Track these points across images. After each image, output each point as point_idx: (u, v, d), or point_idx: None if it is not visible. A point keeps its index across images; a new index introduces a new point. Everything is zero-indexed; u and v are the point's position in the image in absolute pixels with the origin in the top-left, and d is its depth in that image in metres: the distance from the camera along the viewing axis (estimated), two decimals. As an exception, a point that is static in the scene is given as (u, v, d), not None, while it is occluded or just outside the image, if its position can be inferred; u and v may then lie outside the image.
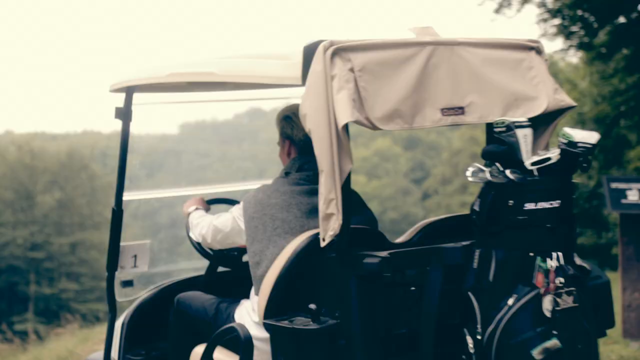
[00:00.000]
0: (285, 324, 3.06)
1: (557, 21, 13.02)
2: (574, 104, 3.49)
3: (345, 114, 2.93)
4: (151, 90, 4.40)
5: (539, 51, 3.53)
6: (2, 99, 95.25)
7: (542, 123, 3.42)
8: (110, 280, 4.41)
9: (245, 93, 4.53)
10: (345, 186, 3.01)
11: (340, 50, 3.01)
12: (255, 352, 3.34)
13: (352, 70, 3.00)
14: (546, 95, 3.43)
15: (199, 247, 4.15)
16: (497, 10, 13.12)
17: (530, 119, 3.21)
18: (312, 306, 3.03)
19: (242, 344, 3.29)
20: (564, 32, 13.04)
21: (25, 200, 46.14)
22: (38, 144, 53.62)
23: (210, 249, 4.19)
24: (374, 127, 3.03)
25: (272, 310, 3.27)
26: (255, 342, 3.34)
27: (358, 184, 52.82)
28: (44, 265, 44.64)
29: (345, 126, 2.97)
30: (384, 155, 56.25)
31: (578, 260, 3.14)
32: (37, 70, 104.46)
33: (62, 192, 47.61)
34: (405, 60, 3.14)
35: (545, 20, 13.10)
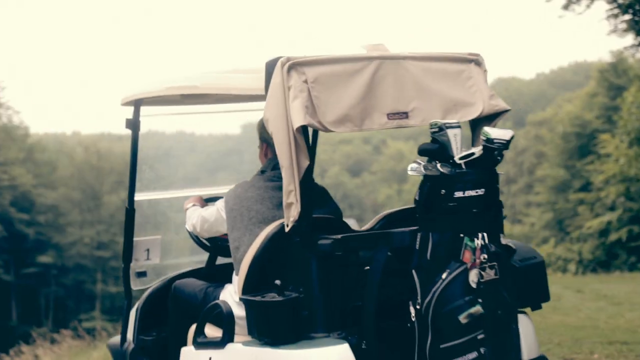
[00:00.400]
0: (257, 298, 3.58)
1: (627, 17, 12.63)
2: (507, 107, 3.95)
3: (298, 119, 3.41)
4: (155, 103, 4.91)
5: (478, 63, 4.02)
6: (70, 100, 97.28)
7: (481, 124, 3.90)
8: (126, 271, 4.98)
9: (253, 104, 4.94)
10: (304, 180, 3.50)
11: (295, 65, 3.50)
12: (237, 328, 3.85)
13: (305, 81, 3.49)
14: (482, 101, 3.91)
15: (197, 239, 4.66)
16: (566, 7, 12.75)
17: (472, 121, 3.78)
18: (277, 282, 3.60)
19: (224, 318, 3.87)
20: (635, 28, 12.64)
21: (92, 200, 47.02)
22: (104, 144, 54.64)
23: (207, 241, 4.69)
24: (326, 130, 3.52)
25: (248, 289, 3.77)
26: (236, 320, 3.85)
27: (418, 184, 52.47)
28: (110, 264, 45.40)
29: (301, 128, 3.45)
30: (445, 155, 55.65)
31: (504, 240, 3.65)
32: (103, 71, 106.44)
33: (127, 192, 48.11)
34: (354, 72, 3.64)
35: (615, 16, 12.70)
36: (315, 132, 4.85)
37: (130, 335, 4.91)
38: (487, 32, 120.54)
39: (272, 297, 3.58)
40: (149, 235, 5.22)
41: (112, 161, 48.73)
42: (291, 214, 3.52)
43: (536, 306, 4.02)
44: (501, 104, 3.95)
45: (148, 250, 5.16)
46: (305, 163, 3.51)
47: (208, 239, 4.70)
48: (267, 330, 3.59)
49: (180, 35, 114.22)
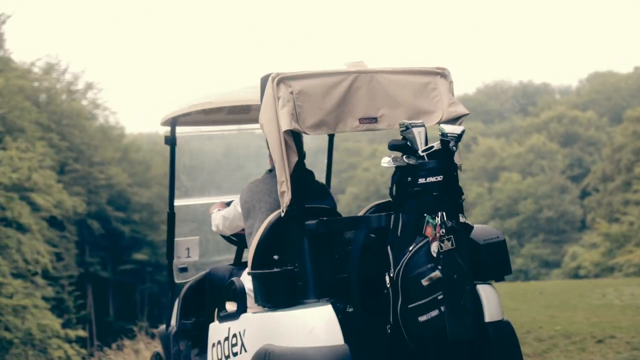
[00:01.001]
0: (260, 271, 4.48)
1: None
2: (466, 112, 4.63)
3: (285, 124, 4.23)
4: (189, 123, 6.02)
5: (443, 75, 4.70)
6: (163, 100, 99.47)
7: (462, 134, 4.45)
8: (170, 267, 5.95)
9: None
10: (294, 173, 4.27)
11: (283, 79, 4.31)
12: (250, 302, 4.69)
13: (291, 93, 4.30)
14: (441, 109, 4.63)
15: (224, 236, 5.55)
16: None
17: (460, 134, 4.32)
18: (275, 257, 4.54)
19: (237, 293, 4.75)
20: None
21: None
22: (195, 144, 55.41)
23: (233, 237, 5.55)
24: (306, 133, 4.35)
25: (256, 266, 4.62)
26: (249, 293, 4.72)
27: (510, 182, 51.46)
28: (202, 260, 46.08)
29: (288, 132, 4.24)
30: (539, 152, 54.26)
31: (462, 219, 4.31)
32: (196, 72, 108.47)
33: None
34: (333, 84, 4.42)
35: None
36: (332, 137, 6.37)
37: (173, 321, 5.80)
38: (582, 25, 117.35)
39: (272, 270, 4.43)
40: (189, 236, 6.16)
41: (202, 159, 49.38)
42: (284, 200, 4.33)
43: (499, 278, 4.70)
44: (459, 110, 4.64)
45: (188, 249, 6.09)
46: (294, 159, 4.31)
47: (235, 235, 5.50)
48: (268, 297, 4.44)
49: (267, 36, 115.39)
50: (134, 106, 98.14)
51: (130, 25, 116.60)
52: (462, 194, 4.40)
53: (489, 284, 4.67)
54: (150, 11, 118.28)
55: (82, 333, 33.60)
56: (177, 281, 6.01)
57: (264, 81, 4.37)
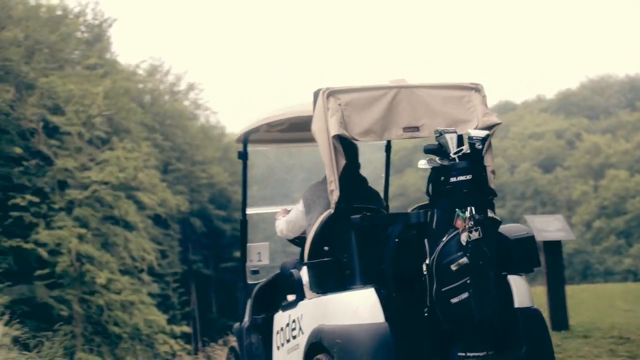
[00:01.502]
0: (313, 261, 5.16)
1: None
2: (498, 121, 5.18)
3: (333, 130, 4.90)
4: (258, 141, 6.78)
5: (477, 90, 5.31)
6: (262, 100, 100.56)
7: (487, 137, 5.01)
8: (243, 269, 6.67)
9: None
10: (343, 175, 4.93)
11: (332, 92, 5.01)
12: (306, 290, 5.33)
13: (339, 104, 4.99)
14: (476, 119, 5.19)
15: (290, 240, 6.08)
16: None
17: (484, 137, 4.87)
18: (326, 248, 5.18)
19: (295, 283, 5.44)
20: None
21: (283, 197, 48.21)
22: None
23: (297, 239, 6.03)
24: (353, 139, 5.02)
25: (311, 257, 5.24)
26: (306, 283, 5.32)
27: (617, 180, 49.66)
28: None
29: (337, 137, 4.91)
30: (649, 148, 52.19)
31: (490, 214, 4.89)
32: (295, 73, 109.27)
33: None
34: (377, 98, 5.10)
35: None
36: (389, 143, 6.88)
37: (246, 318, 6.40)
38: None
39: (323, 260, 5.15)
40: (260, 242, 6.87)
41: (301, 159, 49.81)
42: (333, 197, 4.97)
43: (528, 270, 5.20)
44: (492, 119, 5.20)
45: (259, 253, 6.74)
46: (342, 162, 4.97)
47: (298, 237, 6.01)
48: (319, 284, 5.10)
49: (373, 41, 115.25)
50: (234, 106, 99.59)
51: (231, 26, 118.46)
52: (492, 191, 5.04)
53: (519, 275, 5.18)
54: (251, 12, 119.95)
55: (186, 329, 34.26)
56: (249, 282, 6.67)
57: (315, 95, 5.07)
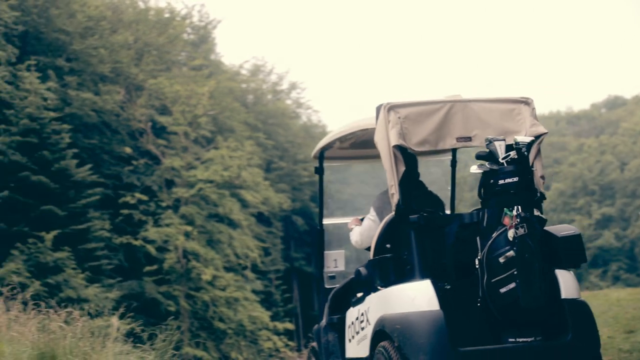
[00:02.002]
0: (377, 258, 5.83)
1: None
2: (545, 131, 5.73)
3: (393, 140, 5.50)
4: (333, 158, 7.49)
5: (527, 103, 5.82)
6: (361, 96, 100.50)
7: (532, 143, 5.56)
8: (320, 275, 7.19)
9: None
10: (403, 181, 5.50)
11: (392, 107, 5.60)
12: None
13: (399, 118, 5.57)
14: (524, 129, 5.71)
15: (366, 248, 6.46)
16: None
17: (529, 143, 5.46)
18: (388, 245, 5.82)
19: (362, 279, 6.01)
20: None
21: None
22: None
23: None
24: (411, 149, 5.62)
25: (375, 255, 5.89)
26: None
27: None
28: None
29: (397, 147, 5.50)
30: None
31: (537, 212, 5.41)
32: (395, 71, 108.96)
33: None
34: (433, 111, 5.67)
35: None
36: (454, 158, 7.33)
37: (324, 319, 6.85)
38: None
39: (385, 256, 5.78)
40: (336, 249, 7.32)
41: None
42: (393, 200, 5.54)
43: (576, 265, 5.66)
44: (539, 130, 5.71)
45: (335, 260, 7.26)
46: (402, 168, 5.54)
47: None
48: (383, 278, 5.75)
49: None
50: (335, 104, 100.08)
51: (333, 24, 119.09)
52: (541, 194, 5.56)
53: (567, 270, 5.65)
54: (353, 11, 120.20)
55: (289, 326, 34.64)
56: (326, 286, 7.15)
57: (377, 109, 5.68)
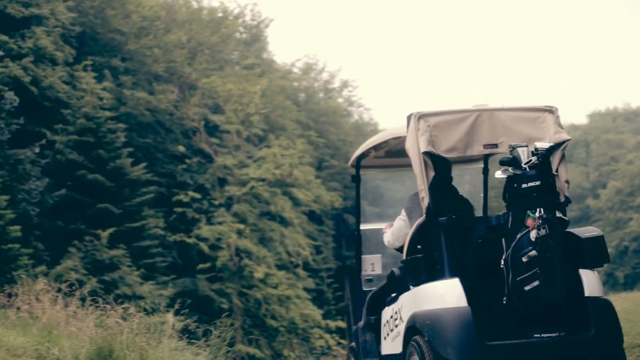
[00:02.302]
0: (409, 258, 6.20)
1: None
2: (568, 138, 6.04)
3: (423, 147, 5.86)
4: (369, 166, 7.89)
5: (551, 112, 6.15)
6: (414, 94, 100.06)
7: (556, 149, 5.97)
8: (358, 278, 7.56)
9: None
10: (433, 185, 5.85)
11: (422, 116, 5.96)
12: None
13: (428, 126, 5.93)
14: (548, 136, 6.04)
15: (395, 248, 6.78)
16: None
17: (548, 148, 5.83)
18: (419, 246, 6.13)
19: (396, 279, 6.46)
20: None
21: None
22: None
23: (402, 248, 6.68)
24: (440, 156, 5.93)
25: (409, 256, 6.23)
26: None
27: None
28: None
29: (426, 153, 5.85)
30: None
31: (558, 214, 5.78)
32: (448, 70, 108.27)
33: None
34: (461, 119, 6.03)
35: None
36: (486, 166, 7.62)
37: (362, 320, 7.18)
38: None
39: (417, 256, 6.10)
40: (373, 254, 7.64)
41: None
42: (424, 204, 5.91)
43: (599, 265, 5.96)
44: (563, 137, 6.04)
45: (373, 263, 7.58)
46: (431, 174, 5.89)
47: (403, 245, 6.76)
48: (414, 277, 6.07)
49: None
50: (387, 102, 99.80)
51: (385, 21, 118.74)
52: (566, 197, 5.96)
53: (591, 269, 5.93)
54: (407, 7, 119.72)
55: (341, 324, 34.65)
56: (364, 289, 7.47)
57: (408, 118, 6.04)
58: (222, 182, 31.90)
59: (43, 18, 26.11)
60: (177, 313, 9.61)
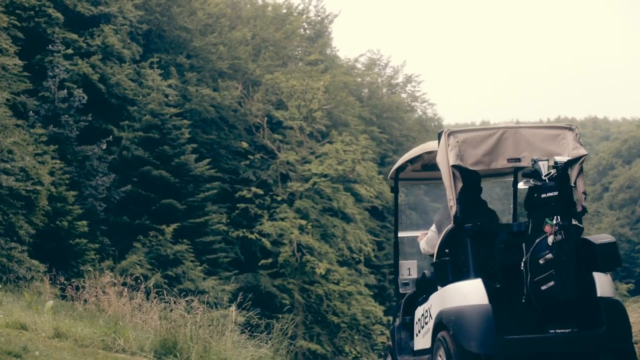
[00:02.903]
0: (438, 260, 6.86)
1: None
2: (585, 153, 6.73)
3: (452, 161, 6.57)
4: (406, 179, 8.68)
5: (571, 129, 6.88)
6: (480, 91, 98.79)
7: (574, 163, 6.65)
8: (396, 281, 8.24)
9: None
10: (460, 193, 6.54)
11: (452, 132, 6.66)
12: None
13: (457, 142, 6.64)
14: (567, 152, 6.72)
15: (430, 255, 7.43)
16: None
17: (566, 162, 6.50)
18: (446, 250, 6.80)
19: (426, 280, 7.19)
20: None
21: (501, 188, 47.19)
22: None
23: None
24: (467, 169, 6.62)
25: (438, 257, 6.87)
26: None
27: None
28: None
29: (455, 166, 6.55)
30: None
31: (574, 222, 6.42)
32: (512, 64, 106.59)
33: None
34: (487, 136, 6.73)
35: None
36: (515, 179, 8.05)
37: (399, 319, 7.87)
38: None
39: (445, 259, 6.75)
40: (410, 259, 8.29)
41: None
42: (452, 212, 6.57)
43: (611, 269, 6.56)
44: (580, 152, 6.69)
45: (409, 268, 8.23)
46: (459, 185, 6.53)
47: None
48: (442, 278, 6.74)
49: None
50: (452, 97, 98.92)
51: (452, 16, 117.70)
52: (583, 207, 6.61)
53: (604, 273, 6.55)
54: (469, 2, 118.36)
55: (403, 321, 34.44)
56: (401, 291, 8.14)
57: (439, 135, 6.75)
58: (285, 178, 32.05)
59: (111, 16, 26.61)
60: (239, 307, 9.70)
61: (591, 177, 62.12)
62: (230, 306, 9.58)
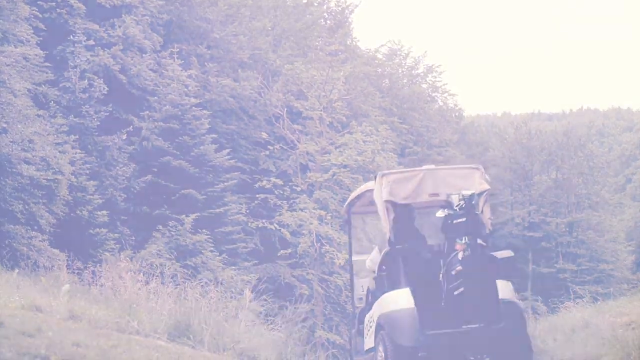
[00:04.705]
0: (376, 275, 9.94)
1: None
2: (487, 187, 9.56)
3: (385, 197, 9.35)
4: (357, 212, 11.88)
5: (477, 169, 9.70)
6: (501, 81, 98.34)
7: (480, 195, 9.26)
8: (352, 297, 10.48)
9: None
10: (393, 223, 9.30)
11: (384, 174, 9.73)
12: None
13: (389, 181, 9.48)
14: (474, 187, 9.31)
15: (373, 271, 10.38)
16: None
17: (471, 195, 9.18)
18: (384, 267, 9.58)
19: (369, 291, 10.24)
20: None
21: (522, 180, 47.04)
22: (535, 124, 54.23)
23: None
24: (397, 204, 9.40)
25: (378, 273, 9.78)
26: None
27: None
28: (541, 244, 44.99)
29: (388, 201, 9.34)
30: None
31: (480, 241, 8.98)
32: (533, 53, 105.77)
33: (558, 172, 47.48)
34: (412, 176, 9.69)
35: None
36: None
37: (355, 327, 10.09)
38: None
39: (382, 274, 9.12)
40: (363, 279, 10.67)
41: (542, 140, 48.16)
42: (387, 237, 8.93)
43: (509, 277, 8.93)
44: (484, 187, 9.38)
45: (362, 286, 10.70)
46: (392, 216, 9.07)
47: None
48: (381, 289, 9.18)
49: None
50: (474, 87, 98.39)
51: (474, 6, 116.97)
52: (486, 228, 9.11)
53: (506, 280, 8.93)
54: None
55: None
56: (356, 305, 10.29)
57: (375, 176, 9.27)
58: (305, 168, 32.02)
59: (133, 7, 26.69)
60: (257, 297, 9.76)
61: (614, 168, 61.45)
62: (244, 293, 9.64)
